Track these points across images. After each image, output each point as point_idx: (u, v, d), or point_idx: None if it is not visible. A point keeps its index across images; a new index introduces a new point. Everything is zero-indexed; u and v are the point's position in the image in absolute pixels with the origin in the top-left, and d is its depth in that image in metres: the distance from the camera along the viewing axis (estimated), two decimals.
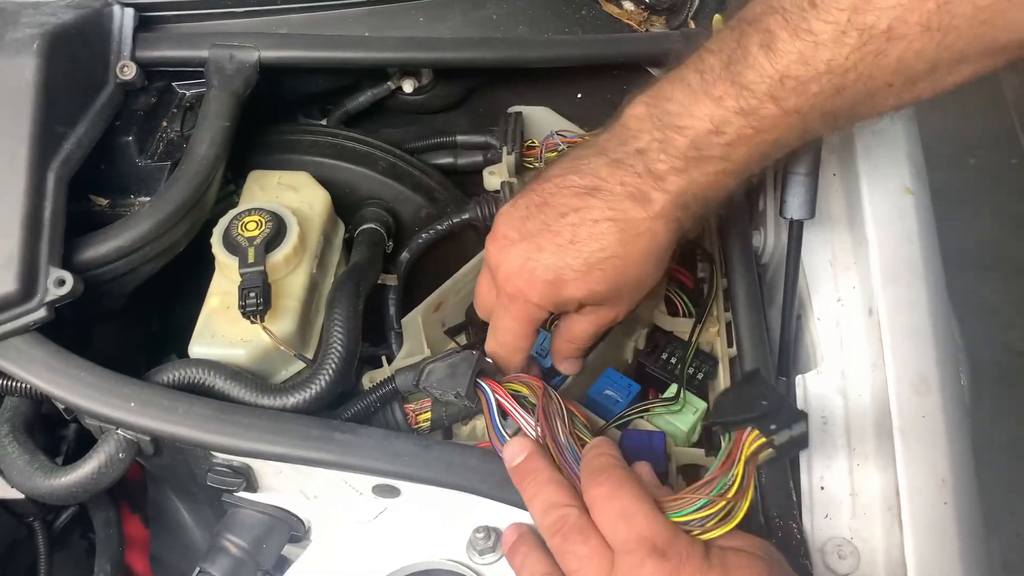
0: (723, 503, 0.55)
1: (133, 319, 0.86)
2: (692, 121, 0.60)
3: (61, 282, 0.65)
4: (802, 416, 0.57)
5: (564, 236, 0.63)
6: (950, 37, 0.53)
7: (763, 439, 0.56)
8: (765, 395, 0.58)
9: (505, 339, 0.69)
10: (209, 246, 0.74)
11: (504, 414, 0.66)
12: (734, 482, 0.55)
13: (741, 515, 0.55)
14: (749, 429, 0.56)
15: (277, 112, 0.93)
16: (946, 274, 0.74)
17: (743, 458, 0.55)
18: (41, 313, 0.65)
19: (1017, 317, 2.13)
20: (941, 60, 0.54)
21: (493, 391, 0.66)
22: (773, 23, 0.56)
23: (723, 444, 0.58)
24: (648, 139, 0.62)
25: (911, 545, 0.61)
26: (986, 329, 2.10)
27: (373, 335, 0.85)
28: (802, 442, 0.57)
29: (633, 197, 0.62)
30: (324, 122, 0.97)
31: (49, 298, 0.65)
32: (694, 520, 0.55)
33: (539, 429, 0.64)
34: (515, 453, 0.62)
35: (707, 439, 0.62)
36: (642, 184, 0.62)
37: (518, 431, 0.65)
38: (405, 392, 0.69)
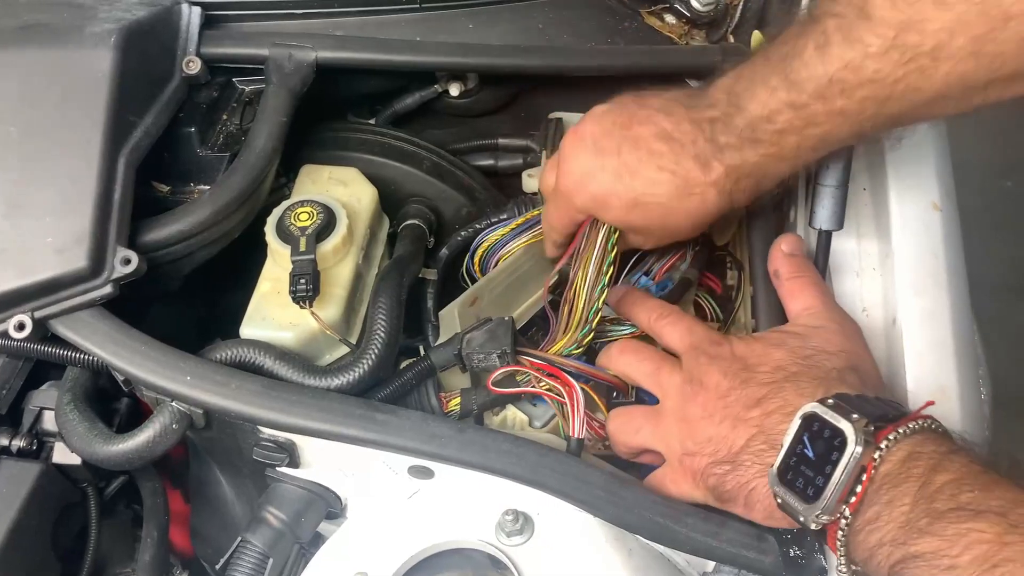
0: None
1: (185, 303, 0.90)
2: (751, 104, 0.64)
3: (127, 261, 0.69)
4: None
5: (628, 166, 0.69)
6: (998, 62, 0.53)
7: None
8: None
9: (549, 221, 0.79)
10: (257, 237, 0.78)
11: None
12: None
13: None
14: None
15: (328, 111, 0.96)
16: (976, 297, 0.75)
17: None
18: (107, 289, 0.69)
19: None
20: (994, 79, 0.55)
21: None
22: (830, 25, 0.59)
23: None
24: (720, 111, 0.67)
25: None
26: (1017, 355, 2.07)
27: (411, 327, 0.88)
28: None
29: (697, 159, 0.67)
30: (373, 122, 1.00)
31: (115, 275, 0.69)
32: None
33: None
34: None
35: None
36: (707, 150, 0.67)
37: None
38: (443, 367, 0.72)
